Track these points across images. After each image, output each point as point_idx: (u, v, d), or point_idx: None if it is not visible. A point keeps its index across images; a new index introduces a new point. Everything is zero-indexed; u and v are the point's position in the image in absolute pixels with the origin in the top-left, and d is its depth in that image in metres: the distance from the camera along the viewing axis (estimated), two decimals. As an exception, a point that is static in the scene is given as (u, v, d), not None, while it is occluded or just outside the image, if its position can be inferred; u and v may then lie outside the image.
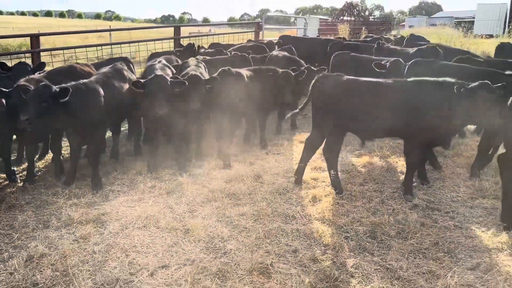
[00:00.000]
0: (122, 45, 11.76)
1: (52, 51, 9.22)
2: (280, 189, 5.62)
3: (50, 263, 3.91)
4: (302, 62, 8.64)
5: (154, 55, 9.69)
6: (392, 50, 9.17)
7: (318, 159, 6.41)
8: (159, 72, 6.17)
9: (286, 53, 9.30)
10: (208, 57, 8.92)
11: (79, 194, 5.41)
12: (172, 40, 11.98)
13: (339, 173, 5.94)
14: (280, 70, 7.29)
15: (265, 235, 4.48)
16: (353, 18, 39.07)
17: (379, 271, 3.87)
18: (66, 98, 4.81)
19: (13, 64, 6.68)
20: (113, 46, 14.26)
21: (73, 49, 9.42)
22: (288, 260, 4.04)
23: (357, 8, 45.71)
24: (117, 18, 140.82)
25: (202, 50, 10.82)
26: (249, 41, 13.43)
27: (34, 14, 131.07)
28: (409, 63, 6.69)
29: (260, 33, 15.22)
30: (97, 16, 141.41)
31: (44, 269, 3.80)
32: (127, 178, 5.95)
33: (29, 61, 8.11)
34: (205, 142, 7.03)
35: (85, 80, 5.48)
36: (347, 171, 6.27)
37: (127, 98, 6.07)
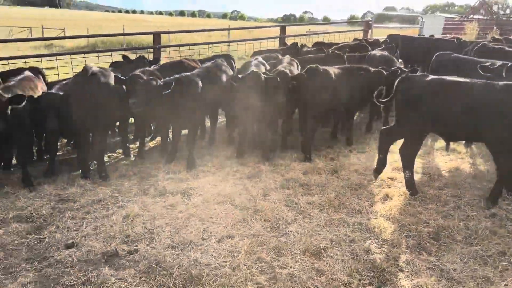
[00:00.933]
0: (240, 43, 12.64)
1: (169, 47, 10.55)
2: (353, 185, 5.80)
3: (141, 222, 4.75)
4: (397, 62, 8.50)
5: (257, 53, 10.39)
6: (501, 52, 8.46)
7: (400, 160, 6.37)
8: (254, 69, 6.77)
9: (385, 53, 9.21)
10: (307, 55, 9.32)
11: (176, 171, 6.27)
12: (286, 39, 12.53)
13: (419, 175, 5.89)
14: (372, 69, 7.36)
15: (326, 223, 4.76)
16: (485, 17, 35.42)
17: (430, 269, 3.90)
18: (168, 91, 5.66)
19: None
20: (231, 43, 15.40)
21: (187, 46, 10.63)
22: (342, 248, 4.28)
23: (493, 6, 41.24)
24: (242, 17, 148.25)
25: (305, 49, 11.21)
26: (355, 39, 13.40)
27: (170, 14, 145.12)
28: (508, 66, 6.22)
29: (369, 31, 15.03)
30: (224, 16, 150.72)
31: (136, 226, 4.65)
32: (217, 161, 6.67)
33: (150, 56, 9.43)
34: (291, 135, 7.45)
35: (187, 73, 6.33)
36: (428, 174, 6.14)
37: (224, 90, 6.78)
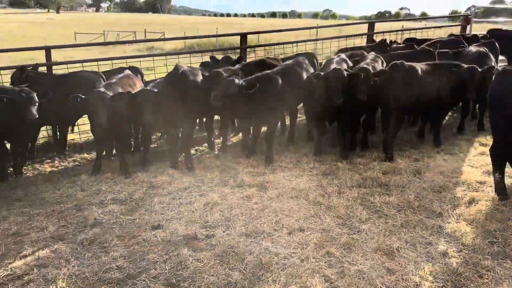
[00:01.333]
0: (324, 41, 12.60)
1: (255, 47, 10.91)
2: (436, 187, 5.53)
3: (220, 210, 5.06)
4: (493, 59, 7.83)
5: (342, 51, 10.27)
6: None
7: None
8: (336, 66, 6.76)
9: (481, 49, 8.52)
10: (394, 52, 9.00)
11: (255, 165, 6.52)
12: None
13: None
14: (465, 66, 6.90)
15: (403, 224, 4.62)
16: None
17: (515, 279, 3.61)
18: (251, 91, 5.92)
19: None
20: (317, 42, 15.40)
21: (272, 46, 10.89)
22: (417, 250, 4.14)
23: None
24: (333, 16, 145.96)
25: (394, 45, 10.82)
26: (450, 35, 12.54)
27: (262, 16, 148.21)
28: None
29: (468, 27, 13.95)
30: (315, 15, 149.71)
31: (214, 213, 4.97)
32: (295, 157, 6.78)
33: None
34: (373, 133, 7.28)
35: (267, 71, 6.54)
36: (524, 179, 5.61)
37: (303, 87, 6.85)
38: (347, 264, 3.94)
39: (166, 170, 6.35)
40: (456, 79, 6.74)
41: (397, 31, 15.33)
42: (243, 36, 9.77)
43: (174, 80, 6.13)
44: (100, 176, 6.25)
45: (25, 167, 6.67)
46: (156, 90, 6.40)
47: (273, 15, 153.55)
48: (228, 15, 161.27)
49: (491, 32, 11.73)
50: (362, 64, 6.83)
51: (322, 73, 6.38)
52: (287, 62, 7.18)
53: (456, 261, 3.90)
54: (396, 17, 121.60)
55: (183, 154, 6.76)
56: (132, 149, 7.47)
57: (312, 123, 7.55)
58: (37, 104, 5.88)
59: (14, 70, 7.43)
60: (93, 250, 4.33)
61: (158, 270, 3.96)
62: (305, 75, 6.91)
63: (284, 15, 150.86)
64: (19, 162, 6.50)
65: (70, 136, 7.96)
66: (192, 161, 6.56)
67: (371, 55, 7.74)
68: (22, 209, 5.28)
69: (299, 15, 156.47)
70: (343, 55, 7.79)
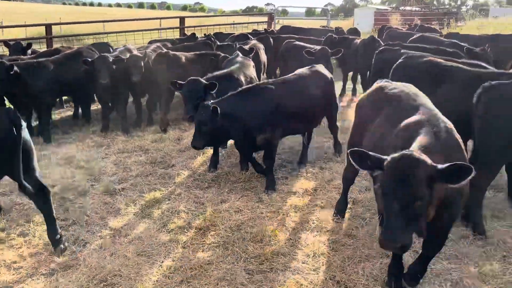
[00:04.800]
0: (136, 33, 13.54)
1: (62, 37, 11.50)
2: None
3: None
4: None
5: (151, 42, 11.53)
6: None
7: None
8: (114, 54, 7.93)
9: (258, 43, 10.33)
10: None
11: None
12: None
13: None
14: (222, 55, 8.61)
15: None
16: (414, 8, 37.81)
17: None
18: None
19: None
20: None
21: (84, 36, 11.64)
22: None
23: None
24: (202, 9, 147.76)
25: (199, 39, 12.43)
26: (253, 30, 14.74)
27: (129, 6, 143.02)
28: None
29: (272, 23, 16.46)
30: (184, 8, 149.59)
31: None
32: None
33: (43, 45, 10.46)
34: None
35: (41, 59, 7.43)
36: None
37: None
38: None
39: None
40: (215, 65, 8.33)
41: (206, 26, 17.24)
42: (49, 27, 10.37)
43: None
44: None
45: None
46: None
47: (140, 5, 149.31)
48: (92, 4, 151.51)
49: (282, 28, 14.17)
50: (137, 52, 8.11)
51: (90, 59, 7.48)
52: (71, 51, 8.14)
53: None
54: (260, 11, 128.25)
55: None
56: None
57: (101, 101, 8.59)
58: None
59: None
60: None
61: None
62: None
63: (152, 6, 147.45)
64: None
65: None
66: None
67: (153, 46, 9.12)
68: None
69: (168, 7, 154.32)
70: (129, 45, 9.02)
